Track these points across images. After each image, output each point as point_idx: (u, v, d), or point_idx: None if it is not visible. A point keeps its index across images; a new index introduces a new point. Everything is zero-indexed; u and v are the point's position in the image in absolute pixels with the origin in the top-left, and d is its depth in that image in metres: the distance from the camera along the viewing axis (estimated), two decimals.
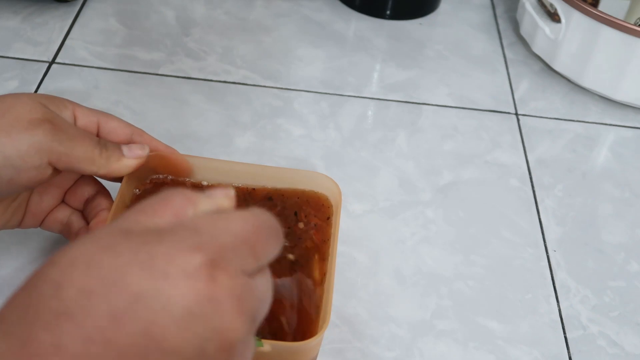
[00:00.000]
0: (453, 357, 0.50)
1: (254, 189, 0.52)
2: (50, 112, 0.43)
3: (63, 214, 0.50)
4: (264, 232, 0.31)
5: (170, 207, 0.31)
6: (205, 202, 0.32)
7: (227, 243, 0.29)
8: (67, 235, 0.50)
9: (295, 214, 0.50)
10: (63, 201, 0.50)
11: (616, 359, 0.52)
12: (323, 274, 0.47)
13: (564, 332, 0.53)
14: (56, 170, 0.44)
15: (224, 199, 0.33)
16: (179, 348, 0.27)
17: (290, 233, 0.49)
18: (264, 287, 0.31)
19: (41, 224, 0.50)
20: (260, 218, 0.32)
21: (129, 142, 0.48)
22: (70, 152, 0.43)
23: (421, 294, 0.54)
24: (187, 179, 0.52)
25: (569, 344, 0.53)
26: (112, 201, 0.50)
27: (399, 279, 0.55)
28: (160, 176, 0.51)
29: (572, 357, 0.52)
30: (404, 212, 0.60)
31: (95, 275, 0.27)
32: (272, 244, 0.32)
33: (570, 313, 0.55)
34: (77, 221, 0.49)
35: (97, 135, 0.47)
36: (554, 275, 0.57)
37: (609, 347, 0.53)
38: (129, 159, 0.46)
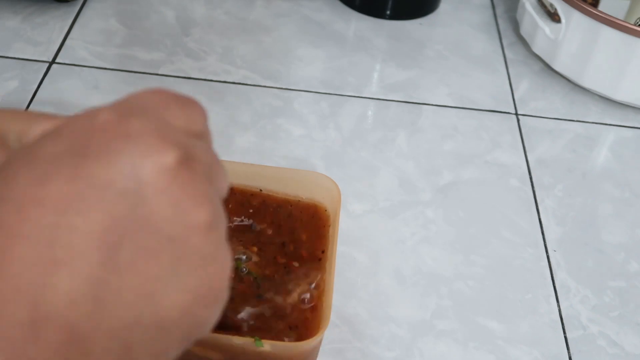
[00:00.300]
0: (453, 357, 0.50)
1: (252, 194, 0.52)
2: None
3: None
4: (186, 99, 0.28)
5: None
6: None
7: (200, 156, 0.26)
8: None
9: (283, 244, 0.50)
10: None
11: (616, 359, 0.52)
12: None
13: (564, 332, 0.53)
14: None
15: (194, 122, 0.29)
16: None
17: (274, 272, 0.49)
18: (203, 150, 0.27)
19: None
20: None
21: None
22: None
23: (421, 294, 0.54)
24: None
25: (569, 344, 0.53)
26: None
27: (399, 279, 0.55)
28: None
29: (572, 357, 0.52)
30: (404, 212, 0.60)
31: (58, 167, 0.23)
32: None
33: (570, 313, 0.55)
34: None
35: None
36: (554, 275, 0.57)
37: (609, 347, 0.53)
38: None
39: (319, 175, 0.51)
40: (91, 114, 0.25)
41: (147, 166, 0.24)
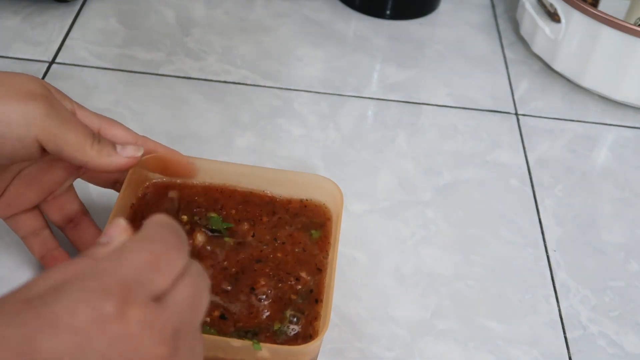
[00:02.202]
0: (453, 357, 0.50)
1: (251, 192, 0.52)
2: (50, 94, 0.42)
3: (35, 223, 0.49)
4: (162, 247, 0.31)
5: (64, 265, 0.30)
6: (102, 249, 0.31)
7: (128, 275, 0.29)
8: (30, 246, 0.49)
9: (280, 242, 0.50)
10: (38, 209, 0.49)
11: (616, 359, 0.52)
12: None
13: (564, 332, 0.53)
14: (44, 152, 0.42)
15: (120, 235, 0.32)
16: None
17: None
18: (185, 294, 0.30)
19: (8, 218, 0.48)
20: (153, 234, 0.31)
21: None
22: (62, 133, 0.41)
23: (421, 294, 0.54)
24: (191, 181, 0.52)
25: (569, 344, 0.53)
26: (98, 228, 0.50)
27: (399, 279, 0.55)
28: (163, 178, 0.51)
29: (572, 357, 0.52)
30: (404, 212, 0.60)
31: (5, 349, 0.26)
32: (176, 253, 0.31)
33: (570, 313, 0.55)
34: (47, 241, 0.49)
35: None
36: (554, 275, 0.57)
37: (609, 347, 0.53)
38: (120, 157, 0.44)
39: (322, 178, 0.51)
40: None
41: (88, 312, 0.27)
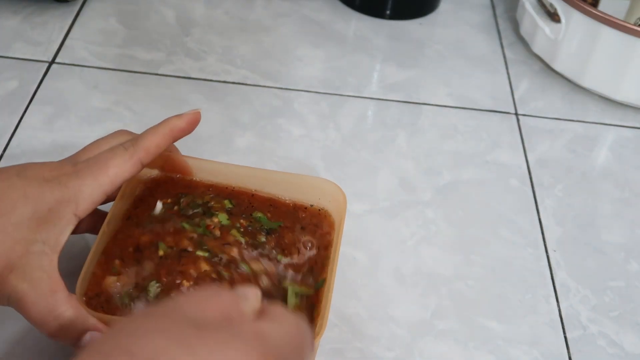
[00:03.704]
0: (453, 357, 0.50)
1: (252, 194, 0.52)
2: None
3: None
4: (306, 342, 0.34)
5: (220, 304, 0.32)
6: (246, 304, 0.33)
7: (285, 354, 0.32)
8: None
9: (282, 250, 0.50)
10: None
11: (616, 359, 0.52)
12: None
13: (564, 332, 0.53)
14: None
15: (256, 301, 0.34)
16: None
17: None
18: None
19: None
20: (302, 327, 0.34)
21: None
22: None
23: (421, 294, 0.54)
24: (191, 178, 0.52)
25: (569, 344, 0.53)
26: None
27: (399, 279, 0.55)
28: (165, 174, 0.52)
29: (572, 357, 0.52)
30: (404, 212, 0.60)
31: None
32: (307, 353, 0.34)
33: (570, 313, 0.55)
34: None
35: None
36: (554, 275, 0.57)
37: (608, 347, 0.53)
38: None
39: (325, 181, 0.51)
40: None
41: None
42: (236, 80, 0.71)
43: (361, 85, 0.73)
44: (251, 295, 0.34)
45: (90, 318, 0.41)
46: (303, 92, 0.71)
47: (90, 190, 0.43)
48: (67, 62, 0.71)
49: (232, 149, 0.64)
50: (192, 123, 0.48)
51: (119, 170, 0.44)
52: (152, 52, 0.73)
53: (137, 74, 0.70)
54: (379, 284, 0.54)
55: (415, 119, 0.70)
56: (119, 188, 0.47)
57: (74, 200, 0.42)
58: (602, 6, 0.78)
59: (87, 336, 0.41)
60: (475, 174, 0.65)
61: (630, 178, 0.67)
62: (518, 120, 0.72)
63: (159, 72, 0.71)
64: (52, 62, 0.71)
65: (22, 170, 0.43)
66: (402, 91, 0.73)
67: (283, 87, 0.72)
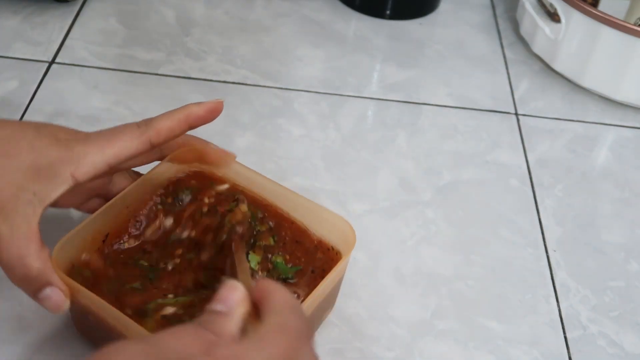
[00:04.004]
0: (453, 357, 0.50)
1: (292, 222, 0.50)
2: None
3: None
4: (297, 339, 0.32)
5: (194, 335, 0.31)
6: (225, 323, 0.32)
7: None
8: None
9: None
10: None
11: (616, 359, 0.52)
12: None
13: (564, 332, 0.53)
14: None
15: (239, 306, 0.33)
16: None
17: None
18: None
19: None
20: (286, 323, 0.32)
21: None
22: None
23: (421, 294, 0.54)
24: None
25: (569, 344, 0.53)
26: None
27: (399, 279, 0.55)
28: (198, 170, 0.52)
29: (572, 357, 0.52)
30: (404, 212, 0.60)
31: None
32: (309, 344, 0.33)
33: (570, 313, 0.55)
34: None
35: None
36: (554, 275, 0.57)
37: (608, 347, 0.53)
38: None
39: (339, 218, 0.48)
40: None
41: None
42: (236, 80, 0.71)
43: (361, 85, 0.73)
44: (232, 304, 0.33)
45: (54, 276, 0.42)
46: (303, 92, 0.71)
47: (93, 158, 0.44)
48: (67, 62, 0.71)
49: (232, 149, 0.63)
50: (212, 112, 0.48)
51: (126, 144, 0.45)
52: (152, 52, 0.73)
53: (137, 74, 0.70)
54: (379, 284, 0.54)
55: (415, 119, 0.70)
56: (126, 162, 0.47)
57: (75, 163, 0.43)
58: (602, 6, 0.78)
59: (47, 290, 0.42)
60: (475, 174, 0.65)
61: (630, 178, 0.67)
62: (518, 120, 0.72)
63: (159, 72, 0.71)
64: (52, 62, 0.71)
65: (40, 126, 0.44)
66: (402, 91, 0.73)
67: (283, 87, 0.72)
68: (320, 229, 0.49)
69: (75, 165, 0.43)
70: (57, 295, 0.42)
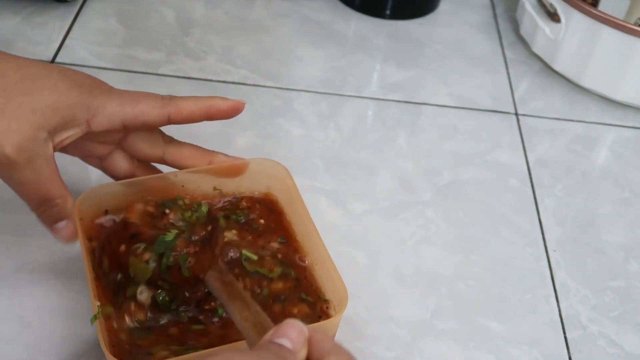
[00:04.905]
0: (453, 357, 0.50)
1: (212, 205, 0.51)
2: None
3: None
4: None
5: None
6: (288, 355, 0.33)
7: None
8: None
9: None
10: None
11: (616, 359, 0.52)
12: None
13: (564, 332, 0.53)
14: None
15: (304, 345, 0.34)
16: None
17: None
18: None
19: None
20: None
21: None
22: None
23: (421, 294, 0.54)
24: None
25: (569, 344, 0.53)
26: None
27: (399, 279, 0.55)
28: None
29: (572, 357, 0.52)
30: (404, 212, 0.60)
31: None
32: None
33: (570, 313, 0.55)
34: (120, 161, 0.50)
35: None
36: (554, 275, 0.57)
37: (608, 347, 0.53)
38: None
39: (267, 161, 0.50)
40: None
41: None
42: (236, 80, 0.71)
43: (361, 85, 0.73)
44: (299, 350, 0.33)
45: (73, 214, 0.46)
46: (303, 92, 0.71)
47: (111, 110, 0.45)
48: (67, 62, 0.71)
49: (232, 148, 0.64)
50: (233, 110, 0.49)
51: (146, 109, 0.46)
52: (152, 52, 0.73)
53: (137, 74, 0.70)
54: (379, 284, 0.55)
55: (415, 119, 0.70)
56: (139, 127, 0.48)
57: (93, 110, 0.44)
58: (602, 6, 0.78)
59: (63, 223, 0.45)
60: (475, 174, 0.65)
61: (630, 178, 0.67)
62: (518, 120, 0.72)
63: (159, 72, 0.71)
64: (52, 62, 0.71)
65: (67, 70, 0.45)
66: (402, 91, 0.73)
67: (283, 87, 0.72)
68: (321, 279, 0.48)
69: (93, 114, 0.44)
70: (71, 228, 0.46)
